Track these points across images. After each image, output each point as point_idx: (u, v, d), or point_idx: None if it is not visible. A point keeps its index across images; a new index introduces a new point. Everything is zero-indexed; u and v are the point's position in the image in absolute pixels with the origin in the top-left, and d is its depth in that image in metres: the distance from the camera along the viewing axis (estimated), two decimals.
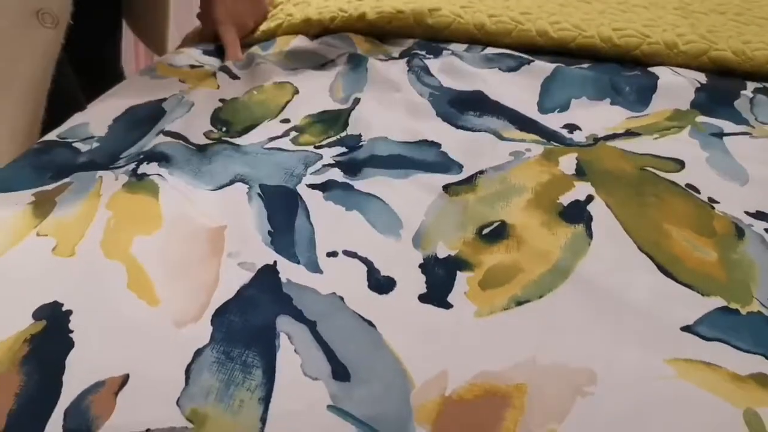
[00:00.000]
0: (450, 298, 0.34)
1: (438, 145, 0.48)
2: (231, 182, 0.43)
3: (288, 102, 0.56)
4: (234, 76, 0.60)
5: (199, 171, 0.44)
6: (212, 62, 0.66)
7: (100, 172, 0.44)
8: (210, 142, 0.48)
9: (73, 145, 0.49)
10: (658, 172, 0.45)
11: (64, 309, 0.33)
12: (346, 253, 0.37)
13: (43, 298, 0.33)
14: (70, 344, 0.31)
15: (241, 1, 0.71)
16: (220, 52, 0.69)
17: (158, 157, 0.45)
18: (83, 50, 0.60)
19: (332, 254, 0.37)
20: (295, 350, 0.31)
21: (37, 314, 0.33)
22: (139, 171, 0.44)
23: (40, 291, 0.34)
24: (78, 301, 0.33)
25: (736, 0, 0.72)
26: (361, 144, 0.48)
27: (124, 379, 0.29)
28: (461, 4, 0.68)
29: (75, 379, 0.29)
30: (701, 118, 0.53)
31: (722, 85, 0.58)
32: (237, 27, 0.70)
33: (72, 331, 0.32)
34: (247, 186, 0.43)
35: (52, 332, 0.32)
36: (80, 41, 0.58)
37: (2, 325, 0.32)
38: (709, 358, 0.31)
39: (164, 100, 0.54)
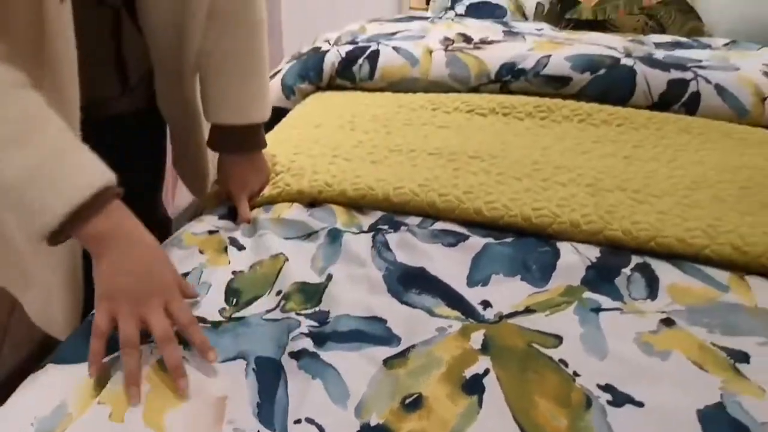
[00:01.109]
0: None
1: (385, 321, 0.66)
2: (234, 358, 0.61)
3: (280, 270, 0.74)
4: (241, 247, 0.79)
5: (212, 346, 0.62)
6: (227, 225, 0.86)
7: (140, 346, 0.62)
8: (222, 319, 0.66)
9: None
10: (541, 348, 0.62)
11: None
12: (308, 420, 0.54)
13: None
14: None
15: (248, 172, 0.91)
16: (231, 214, 0.89)
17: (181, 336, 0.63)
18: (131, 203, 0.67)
19: (297, 421, 0.54)
20: None
21: None
22: None
23: None
24: None
25: (639, 175, 0.91)
26: (328, 320, 0.66)
27: None
28: (420, 182, 0.88)
29: None
30: (587, 294, 0.71)
31: (611, 261, 0.76)
32: (245, 191, 0.90)
33: None
34: (246, 362, 0.60)
35: None
36: (130, 196, 0.66)
37: None
38: None
39: (187, 274, 0.73)
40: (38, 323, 0.80)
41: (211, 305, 0.68)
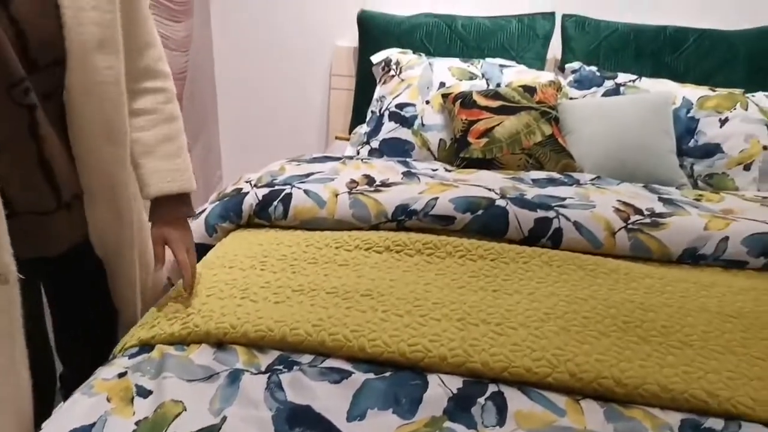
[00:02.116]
0: None
1: None
2: None
3: (177, 415, 0.84)
4: (146, 393, 0.88)
5: None
6: (136, 365, 0.95)
7: None
8: None
9: None
10: None
11: None
12: None
13: None
14: None
15: (175, 236, 1.07)
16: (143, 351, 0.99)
17: None
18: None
19: None
20: None
21: None
22: None
23: None
24: None
25: (503, 308, 1.07)
26: None
27: None
28: (314, 323, 1.01)
29: None
30: (447, 423, 0.83)
31: (469, 392, 0.89)
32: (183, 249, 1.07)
33: None
34: None
35: None
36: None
37: None
38: None
39: (92, 425, 0.81)
40: None
41: None
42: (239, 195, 1.46)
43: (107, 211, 0.99)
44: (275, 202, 1.41)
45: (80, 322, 1.13)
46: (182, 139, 1.08)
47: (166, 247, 1.06)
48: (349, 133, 2.30)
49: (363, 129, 2.05)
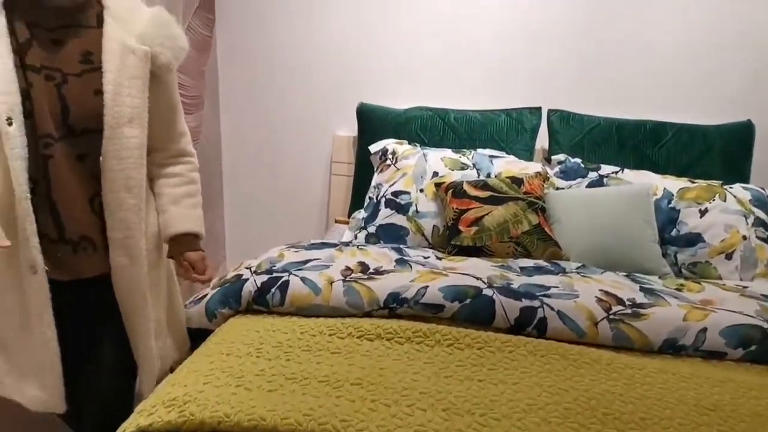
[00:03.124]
0: None
1: None
2: None
3: None
4: None
5: None
6: None
7: None
8: None
9: None
10: None
11: None
12: None
13: None
14: None
15: (194, 256, 1.37)
16: None
17: None
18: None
19: None
20: None
21: None
22: None
23: None
24: None
25: (487, 398, 1.11)
26: None
27: None
28: (305, 412, 1.05)
29: None
30: None
31: None
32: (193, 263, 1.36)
33: None
34: None
35: None
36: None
37: None
38: None
39: None
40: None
41: None
42: (239, 281, 1.53)
43: (124, 255, 1.24)
44: (273, 289, 1.48)
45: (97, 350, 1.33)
46: (199, 198, 1.40)
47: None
48: (348, 216, 2.40)
49: (361, 214, 2.15)
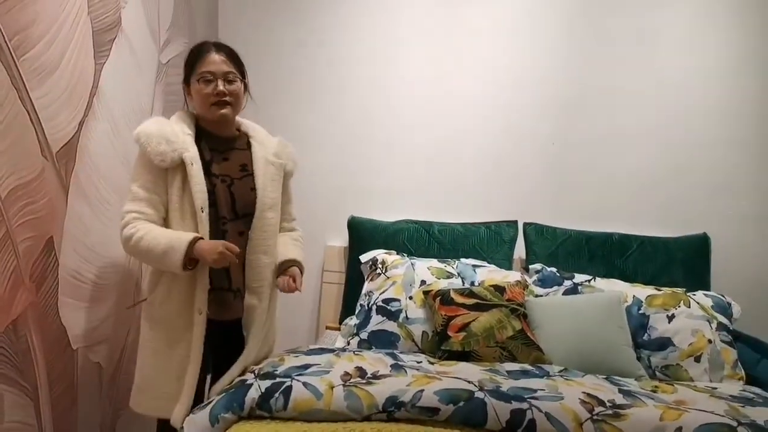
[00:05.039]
0: None
1: None
2: None
3: None
4: None
5: None
6: None
7: None
8: None
9: None
10: None
11: None
12: None
13: None
14: None
15: (296, 271, 1.86)
16: None
17: None
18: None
19: None
20: None
21: None
22: None
23: None
24: None
25: None
26: None
27: None
28: None
29: None
30: None
31: None
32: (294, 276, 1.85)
33: None
34: None
35: None
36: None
37: None
38: None
39: None
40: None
41: None
42: (243, 386, 1.60)
43: (257, 300, 1.77)
44: (276, 394, 1.55)
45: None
46: (302, 248, 1.94)
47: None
48: (339, 323, 2.50)
49: (353, 321, 2.25)
